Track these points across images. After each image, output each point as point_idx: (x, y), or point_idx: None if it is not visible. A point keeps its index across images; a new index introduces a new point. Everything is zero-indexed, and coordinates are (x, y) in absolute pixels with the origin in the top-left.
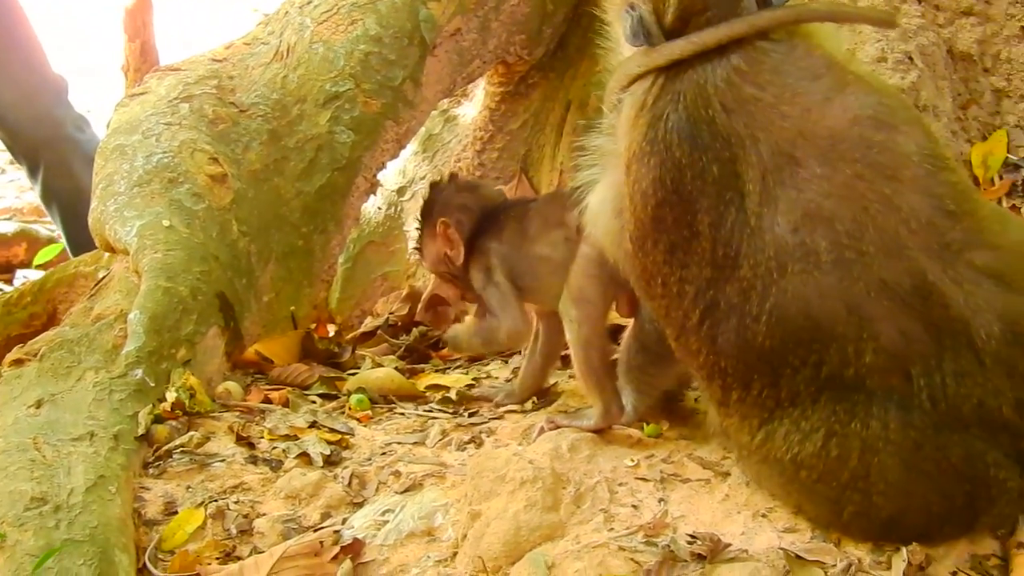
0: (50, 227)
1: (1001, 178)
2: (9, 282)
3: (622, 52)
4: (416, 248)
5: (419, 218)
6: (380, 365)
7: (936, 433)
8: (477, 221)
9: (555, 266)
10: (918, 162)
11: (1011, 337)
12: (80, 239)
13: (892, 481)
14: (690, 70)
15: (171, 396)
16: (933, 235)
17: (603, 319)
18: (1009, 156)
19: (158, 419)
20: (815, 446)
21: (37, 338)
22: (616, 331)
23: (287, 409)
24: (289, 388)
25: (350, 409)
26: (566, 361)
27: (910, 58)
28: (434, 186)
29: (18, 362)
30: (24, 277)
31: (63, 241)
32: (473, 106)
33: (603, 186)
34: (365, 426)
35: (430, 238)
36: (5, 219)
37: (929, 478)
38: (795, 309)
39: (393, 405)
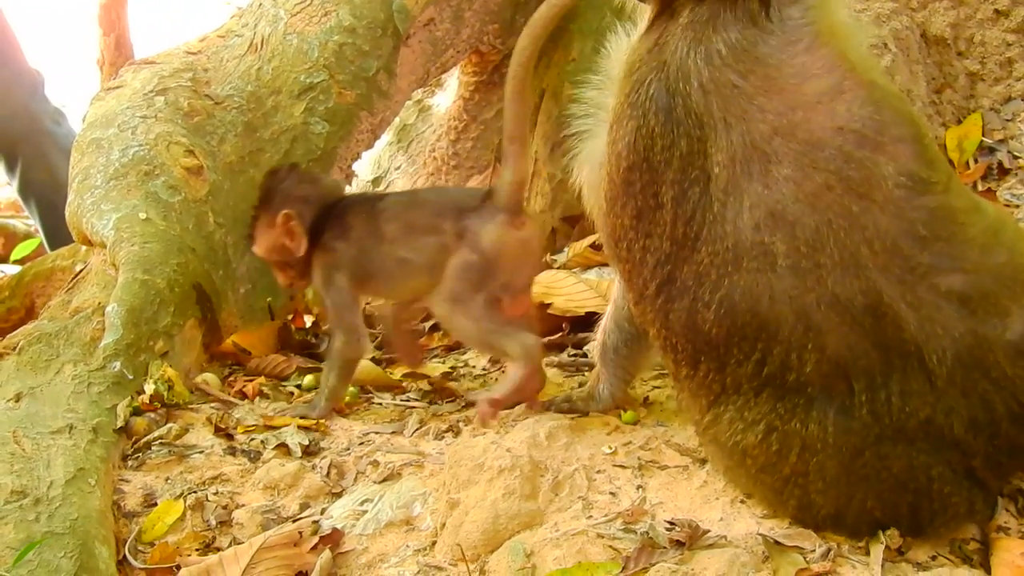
0: (27, 222)
1: (976, 161)
2: None
3: None
4: (248, 235)
5: (256, 205)
6: None
7: (877, 442)
8: (317, 214)
9: (414, 268)
10: (894, 185)
11: (970, 361)
12: (58, 233)
13: (830, 481)
14: (679, 42)
15: (149, 388)
16: (897, 258)
17: (479, 307)
18: (984, 139)
19: (136, 411)
20: (757, 437)
21: (15, 332)
22: (591, 320)
23: (267, 400)
24: (265, 378)
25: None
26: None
27: (884, 43)
28: (274, 174)
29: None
30: (1, 272)
31: (40, 236)
32: (447, 96)
33: (593, 137)
34: (345, 416)
35: (267, 226)
36: None
37: (868, 483)
38: (744, 305)
39: (370, 395)
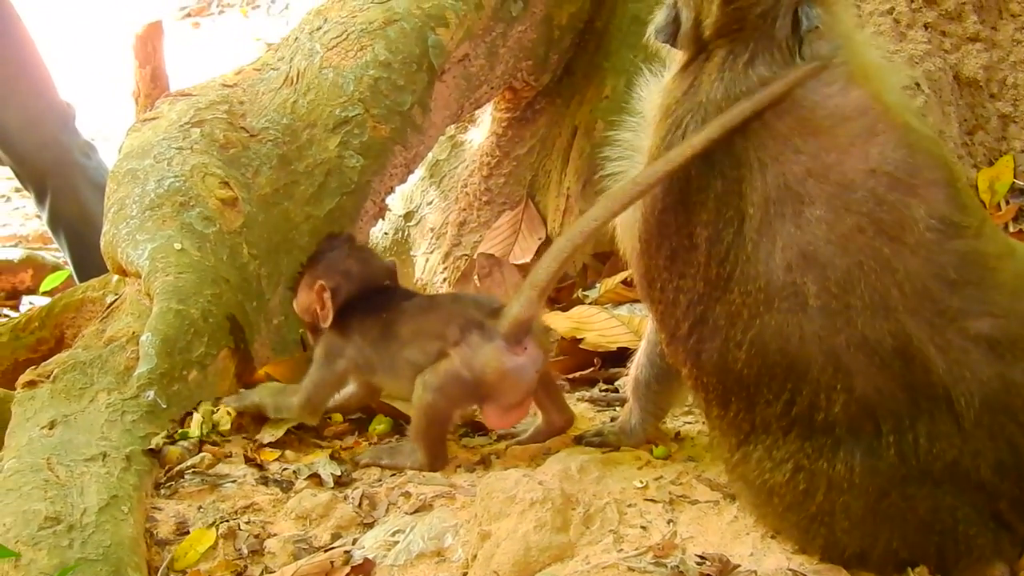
0: (56, 254)
1: (1008, 203)
2: (15, 308)
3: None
4: (291, 288)
5: (304, 264)
6: None
7: (903, 484)
8: (355, 293)
9: (419, 369)
10: (925, 228)
11: (997, 405)
12: (87, 265)
13: (856, 522)
14: (714, 83)
15: (195, 432)
16: (927, 302)
17: (448, 416)
18: (1016, 181)
19: (170, 440)
20: (784, 476)
21: (50, 360)
22: (622, 355)
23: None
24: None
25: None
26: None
27: (917, 84)
28: (331, 239)
29: (31, 384)
30: (30, 303)
31: (69, 267)
32: (480, 132)
33: (624, 179)
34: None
35: (307, 287)
36: (11, 246)
37: (893, 524)
38: (775, 345)
39: (403, 427)
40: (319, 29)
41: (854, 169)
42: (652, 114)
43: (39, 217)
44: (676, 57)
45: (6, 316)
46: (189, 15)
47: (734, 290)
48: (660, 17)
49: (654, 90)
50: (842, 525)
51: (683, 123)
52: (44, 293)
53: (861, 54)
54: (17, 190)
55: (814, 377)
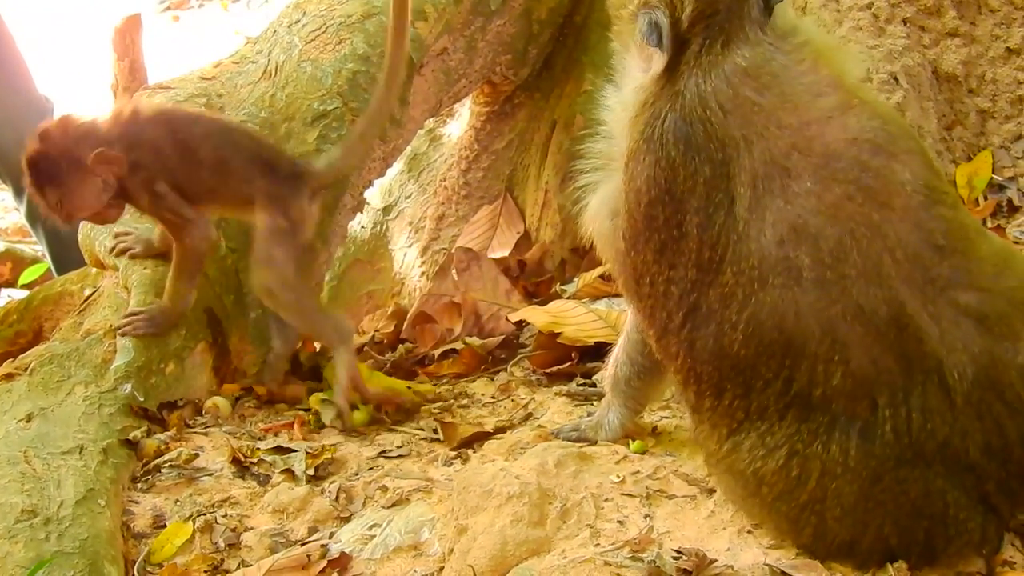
0: (35, 247)
1: (986, 198)
2: None
3: (630, 58)
4: (55, 206)
5: (48, 172)
6: None
7: (896, 466)
8: None
9: None
10: (911, 192)
11: (986, 381)
12: (65, 258)
13: (848, 508)
14: (693, 71)
15: None
16: (918, 268)
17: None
18: (994, 177)
19: (147, 433)
20: (777, 463)
21: (27, 353)
22: (600, 349)
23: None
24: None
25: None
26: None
27: (895, 79)
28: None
29: (8, 376)
30: (8, 296)
31: (48, 260)
32: (458, 125)
33: (602, 188)
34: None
35: (79, 181)
36: None
37: (885, 510)
38: (771, 322)
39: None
40: (298, 22)
41: (836, 139)
42: (626, 115)
43: (18, 210)
44: (635, 63)
45: None
46: (169, 8)
47: (727, 271)
48: (642, 24)
49: (626, 94)
50: (833, 513)
51: (662, 113)
52: (23, 286)
53: (818, 35)
54: None
55: (812, 351)
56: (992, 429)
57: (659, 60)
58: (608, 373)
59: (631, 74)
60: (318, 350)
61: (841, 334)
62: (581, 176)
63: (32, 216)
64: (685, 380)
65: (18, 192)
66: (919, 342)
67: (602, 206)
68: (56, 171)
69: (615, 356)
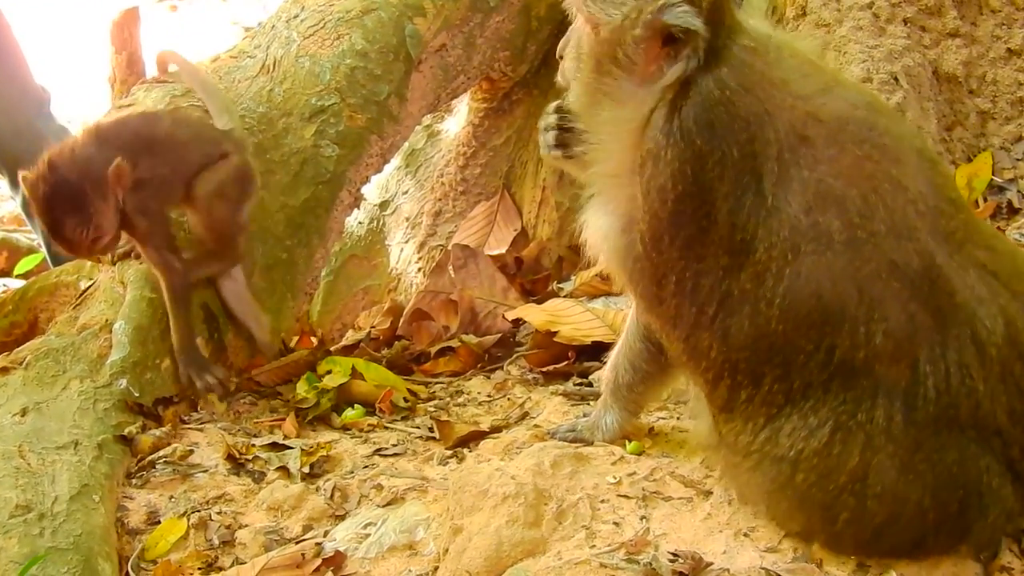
0: (30, 237)
1: (986, 200)
2: None
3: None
4: (80, 235)
5: (71, 199)
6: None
7: (935, 434)
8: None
9: None
10: (919, 148)
11: (1007, 336)
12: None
13: (888, 484)
14: (702, 64)
15: None
16: (940, 219)
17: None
18: (994, 178)
19: (142, 429)
20: (820, 442)
21: (23, 346)
22: (597, 349)
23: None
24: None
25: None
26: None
27: (895, 79)
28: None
29: (3, 370)
30: (4, 286)
31: (43, 251)
32: (456, 122)
33: (608, 206)
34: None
35: (102, 200)
36: None
37: (924, 482)
38: (808, 291)
39: (373, 413)
40: (296, 17)
41: (840, 107)
42: (628, 127)
43: (13, 199)
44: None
45: None
46: None
47: (759, 249)
48: (672, 26)
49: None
50: (874, 490)
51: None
52: (18, 276)
53: (769, 30)
54: None
55: (851, 313)
56: (1014, 393)
57: (680, 66)
58: (607, 377)
59: (624, 88)
60: (315, 345)
61: (878, 292)
62: (583, 205)
63: (27, 207)
64: (717, 376)
65: (14, 182)
66: (950, 295)
67: (612, 221)
68: (79, 196)
69: (615, 361)
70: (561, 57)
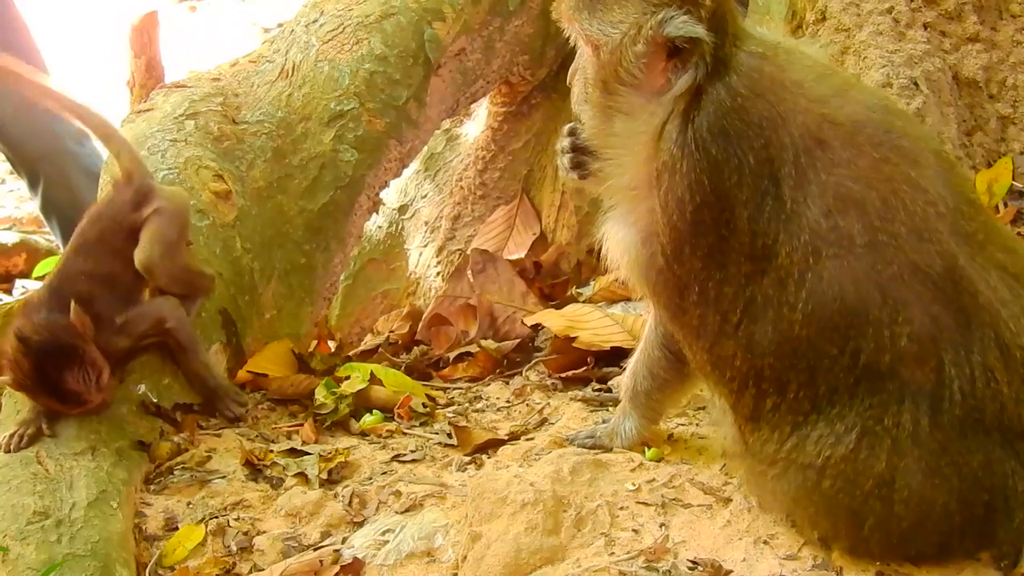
0: (49, 238)
1: (1006, 205)
2: (8, 292)
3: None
4: (95, 385)
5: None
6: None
7: (961, 437)
8: None
9: None
10: (936, 149)
11: None
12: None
13: (915, 488)
14: (711, 73)
15: None
16: (960, 221)
17: None
18: (1014, 183)
19: (160, 435)
20: (847, 448)
21: None
22: (616, 354)
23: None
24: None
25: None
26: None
27: (915, 84)
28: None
29: None
30: (23, 287)
31: (62, 252)
32: (475, 125)
33: (627, 219)
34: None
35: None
36: (5, 229)
37: (950, 485)
38: (831, 294)
39: (392, 419)
40: (315, 22)
41: (855, 110)
42: (641, 140)
43: (33, 200)
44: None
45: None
46: None
47: (780, 253)
48: (674, 36)
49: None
50: (901, 494)
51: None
52: (38, 278)
53: (777, 37)
54: (12, 172)
55: (875, 316)
56: None
57: (689, 75)
58: (626, 384)
59: (634, 104)
60: (332, 351)
61: (901, 294)
62: (602, 219)
63: (46, 208)
64: (743, 385)
65: (32, 184)
66: (973, 296)
67: (632, 234)
68: (65, 352)
69: (634, 368)
70: (571, 84)
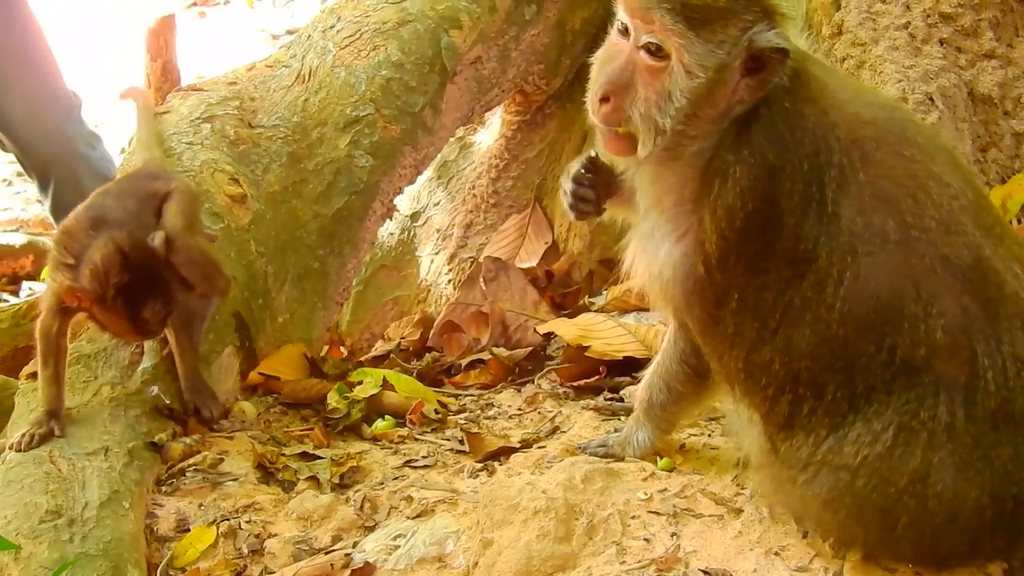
0: None
1: (1020, 222)
2: (16, 294)
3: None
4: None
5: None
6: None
7: (993, 429)
8: None
9: None
10: (942, 147)
11: None
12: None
13: (948, 483)
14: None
15: None
16: (981, 214)
17: None
18: None
19: (172, 436)
20: (884, 446)
21: None
22: (628, 364)
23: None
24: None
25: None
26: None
27: (931, 99)
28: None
29: (33, 375)
30: (30, 289)
31: None
32: (489, 134)
33: (657, 236)
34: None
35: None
36: (12, 231)
37: (982, 479)
38: (867, 291)
39: (404, 424)
40: (332, 28)
41: (875, 111)
42: (688, 151)
43: (40, 202)
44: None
45: (6, 301)
46: (195, 4)
47: (820, 255)
48: (762, 47)
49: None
50: (934, 489)
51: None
52: (45, 280)
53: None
54: (19, 174)
55: (910, 311)
56: None
57: (766, 87)
58: (640, 396)
59: (711, 114)
60: (344, 356)
61: (933, 287)
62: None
63: (57, 212)
64: (779, 390)
65: (43, 187)
66: (999, 287)
67: (668, 248)
68: (163, 281)
69: (650, 381)
70: (606, 99)
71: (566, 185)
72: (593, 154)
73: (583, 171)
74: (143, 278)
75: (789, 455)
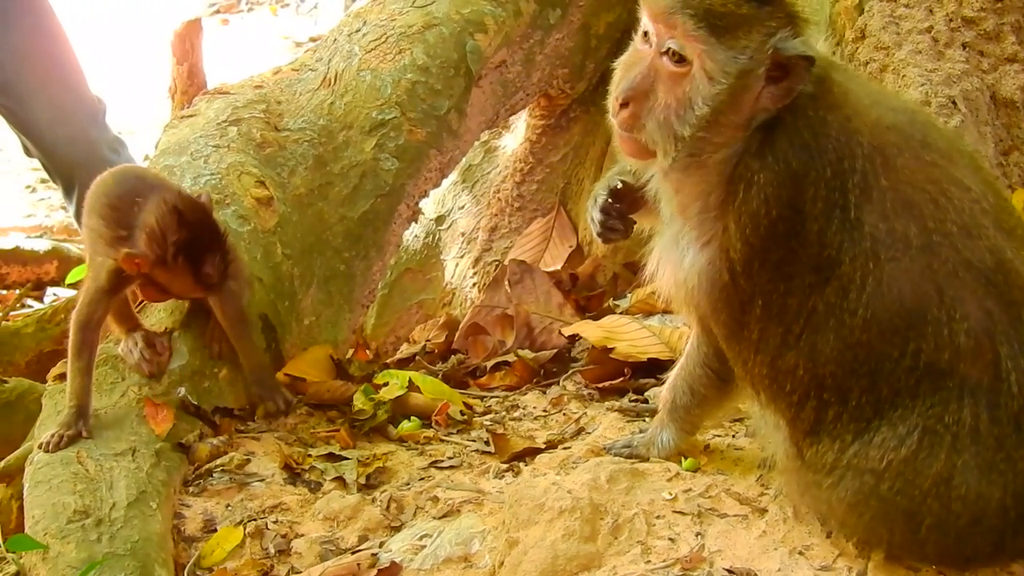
0: (81, 246)
1: None
2: (40, 299)
3: None
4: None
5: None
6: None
7: (1016, 431)
8: None
9: None
10: (962, 151)
11: None
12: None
13: (972, 485)
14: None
15: None
16: (1002, 216)
17: None
18: None
19: (200, 437)
20: (908, 449)
21: None
22: (652, 366)
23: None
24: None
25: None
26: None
27: (953, 102)
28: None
29: (62, 377)
30: (54, 295)
31: None
32: (514, 138)
33: (683, 241)
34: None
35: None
36: (36, 237)
37: (1005, 480)
38: (890, 296)
39: (430, 425)
40: (358, 31)
41: (896, 116)
42: (711, 159)
43: (64, 208)
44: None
45: (31, 307)
46: (218, 11)
47: (844, 261)
48: (788, 55)
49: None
50: (958, 491)
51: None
52: (69, 285)
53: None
54: (43, 181)
55: (934, 315)
56: None
57: (791, 94)
58: (665, 397)
59: (734, 121)
60: (370, 358)
61: (956, 291)
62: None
63: (80, 215)
64: (804, 396)
65: (67, 192)
66: (1022, 289)
67: (694, 255)
68: (221, 236)
69: (674, 383)
70: (625, 104)
71: (595, 215)
72: (619, 184)
73: (610, 200)
74: (199, 233)
75: (815, 460)
